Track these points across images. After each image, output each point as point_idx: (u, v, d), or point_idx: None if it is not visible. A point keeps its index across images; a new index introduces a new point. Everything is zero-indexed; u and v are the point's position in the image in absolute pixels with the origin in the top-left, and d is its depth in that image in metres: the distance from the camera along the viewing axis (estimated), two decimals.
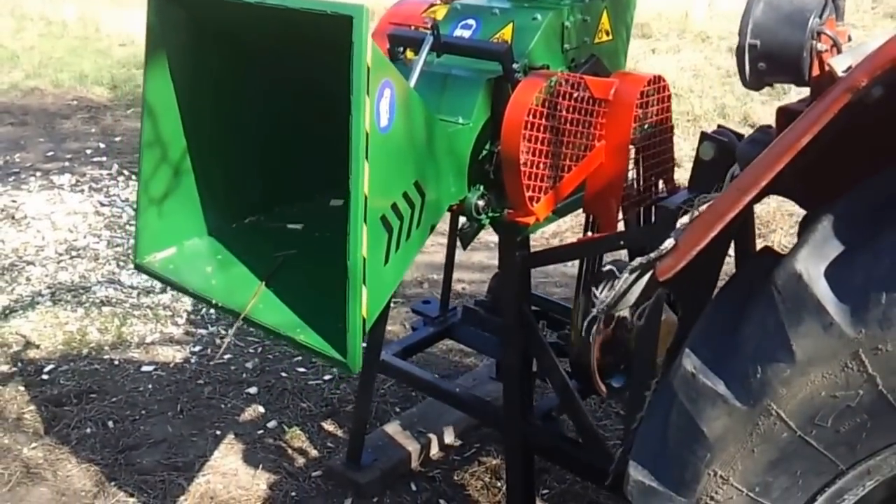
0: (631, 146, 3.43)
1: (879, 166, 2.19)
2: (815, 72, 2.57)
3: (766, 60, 2.61)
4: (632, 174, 3.53)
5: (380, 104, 2.68)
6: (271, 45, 3.26)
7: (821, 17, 2.60)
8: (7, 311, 6.42)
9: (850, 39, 2.77)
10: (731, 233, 2.61)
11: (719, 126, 3.42)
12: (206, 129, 3.40)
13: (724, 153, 3.12)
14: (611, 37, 3.83)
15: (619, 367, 3.74)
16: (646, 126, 3.46)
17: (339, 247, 2.75)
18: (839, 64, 2.26)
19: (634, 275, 2.65)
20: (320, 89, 3.04)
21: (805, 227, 2.23)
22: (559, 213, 3.62)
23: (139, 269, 3.47)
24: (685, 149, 7.88)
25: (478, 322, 4.55)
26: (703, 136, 3.23)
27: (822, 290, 2.05)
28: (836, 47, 2.62)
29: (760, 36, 2.61)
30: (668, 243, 2.41)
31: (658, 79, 3.49)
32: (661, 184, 3.67)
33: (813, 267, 2.07)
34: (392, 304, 6.19)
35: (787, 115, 2.46)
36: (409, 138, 2.91)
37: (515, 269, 3.75)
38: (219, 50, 3.29)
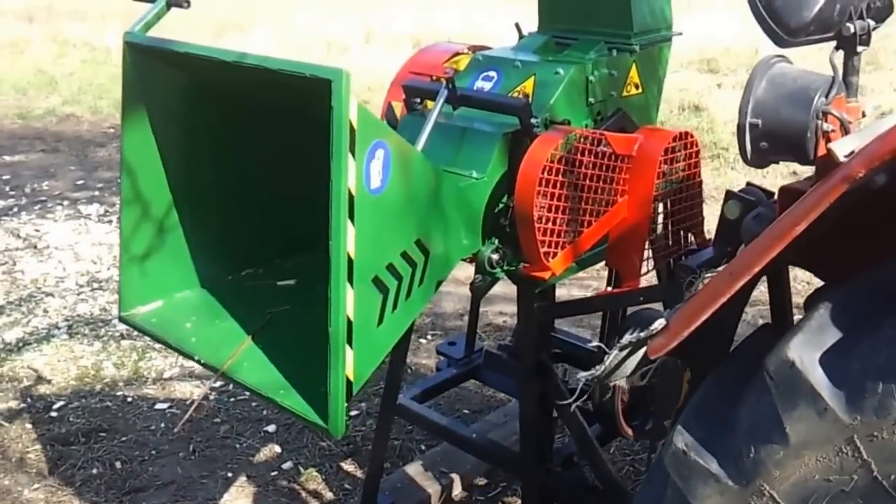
0: (657, 202, 3.39)
1: (886, 248, 2.18)
2: (821, 151, 2.55)
3: (767, 140, 2.63)
4: (660, 228, 3.50)
5: (370, 165, 2.64)
6: (258, 99, 3.22)
7: (827, 96, 2.59)
8: (21, 344, 6.39)
9: (864, 115, 2.74)
10: (742, 300, 2.60)
11: (748, 184, 3.41)
12: (194, 183, 3.37)
13: (749, 212, 3.09)
14: (640, 90, 3.77)
15: (647, 409, 3.70)
16: (672, 182, 3.40)
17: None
18: (841, 148, 2.21)
19: (625, 352, 2.60)
20: (316, 141, 2.99)
21: (806, 310, 2.22)
22: (580, 265, 3.57)
23: (123, 322, 3.44)
24: (741, 183, 7.84)
25: (500, 367, 4.54)
26: (729, 195, 3.22)
27: (818, 377, 2.03)
28: (844, 127, 2.59)
29: (762, 115, 2.62)
30: (659, 323, 2.37)
31: (685, 135, 3.43)
32: (690, 237, 3.63)
33: (807, 355, 2.06)
34: (430, 337, 6.26)
35: (788, 196, 2.44)
36: (408, 198, 2.86)
37: (533, 321, 3.71)
38: (202, 104, 3.26)
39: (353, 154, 2.55)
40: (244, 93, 3.16)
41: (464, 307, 6.53)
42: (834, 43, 2.67)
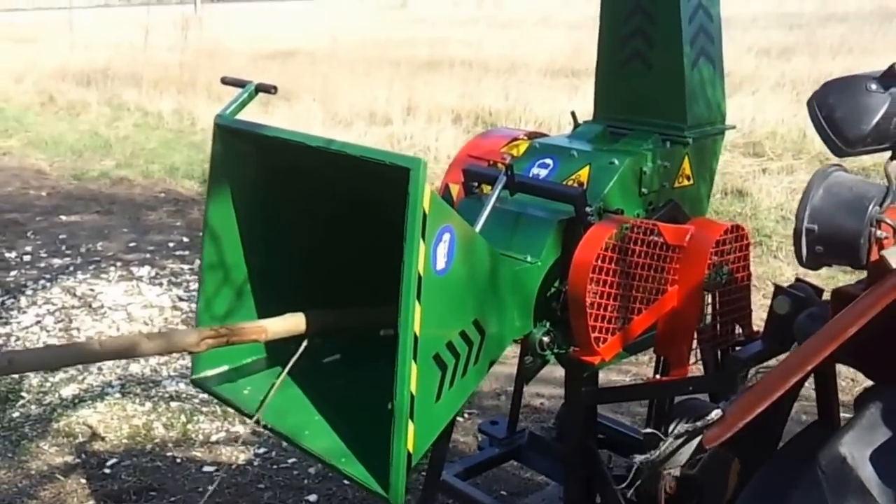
0: (706, 292, 3.41)
1: None
2: (874, 256, 2.58)
3: (822, 244, 2.66)
4: (708, 318, 3.51)
5: (437, 248, 2.74)
6: (335, 179, 3.32)
7: (881, 205, 2.64)
8: (76, 401, 6.48)
9: None
10: (792, 396, 2.60)
11: (798, 279, 3.43)
12: (270, 255, 3.49)
13: (799, 308, 3.11)
14: (692, 181, 3.82)
15: (690, 499, 3.68)
16: (722, 273, 3.43)
17: (392, 376, 2.77)
18: (894, 256, 2.27)
19: (681, 440, 2.66)
20: (383, 222, 3.11)
21: (856, 408, 2.26)
22: (628, 351, 3.57)
23: (195, 384, 3.54)
24: (787, 273, 7.89)
25: (543, 449, 4.50)
26: (778, 290, 3.24)
27: (867, 474, 2.07)
28: None
29: (818, 221, 2.66)
30: (716, 414, 2.44)
31: (736, 228, 3.48)
32: (738, 328, 3.63)
33: (858, 451, 2.11)
34: (466, 416, 6.18)
35: (840, 298, 2.48)
36: (469, 279, 2.95)
37: (580, 405, 3.73)
38: (282, 181, 3.38)
39: (424, 237, 2.66)
40: (321, 173, 3.28)
41: (500, 386, 6.54)
42: (889, 153, 2.69)
